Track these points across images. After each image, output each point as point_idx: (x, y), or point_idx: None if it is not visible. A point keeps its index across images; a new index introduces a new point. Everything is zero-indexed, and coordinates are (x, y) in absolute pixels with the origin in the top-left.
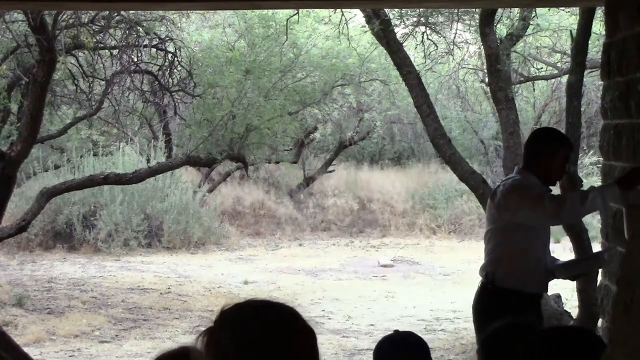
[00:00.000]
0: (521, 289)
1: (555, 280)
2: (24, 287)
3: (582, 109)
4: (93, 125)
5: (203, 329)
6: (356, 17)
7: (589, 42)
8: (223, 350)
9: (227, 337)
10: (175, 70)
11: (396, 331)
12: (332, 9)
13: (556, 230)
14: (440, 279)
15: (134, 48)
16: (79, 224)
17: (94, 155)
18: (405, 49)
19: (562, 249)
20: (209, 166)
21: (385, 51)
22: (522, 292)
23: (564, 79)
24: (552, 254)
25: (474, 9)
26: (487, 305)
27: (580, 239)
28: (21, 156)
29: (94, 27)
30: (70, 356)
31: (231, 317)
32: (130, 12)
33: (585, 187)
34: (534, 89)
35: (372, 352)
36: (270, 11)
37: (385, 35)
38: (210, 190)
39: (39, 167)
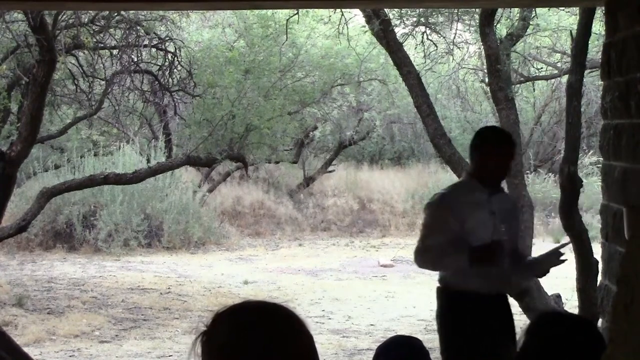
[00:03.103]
0: (473, 290)
1: (555, 280)
2: (24, 287)
3: (582, 109)
4: (93, 125)
5: (199, 331)
6: (356, 17)
7: (589, 42)
8: (218, 354)
9: (222, 340)
10: (175, 70)
11: (397, 335)
12: (332, 9)
13: (556, 230)
14: None
15: (134, 48)
16: (79, 224)
17: (94, 155)
18: (405, 49)
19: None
20: (209, 166)
21: (384, 51)
22: (474, 293)
23: (564, 79)
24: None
25: (474, 9)
26: (442, 308)
27: (580, 239)
28: (21, 156)
29: (94, 27)
30: (70, 356)
31: (225, 320)
32: (130, 12)
33: (584, 187)
34: (534, 89)
35: (372, 352)
36: (270, 11)
37: (385, 35)
38: (210, 190)
39: (39, 167)
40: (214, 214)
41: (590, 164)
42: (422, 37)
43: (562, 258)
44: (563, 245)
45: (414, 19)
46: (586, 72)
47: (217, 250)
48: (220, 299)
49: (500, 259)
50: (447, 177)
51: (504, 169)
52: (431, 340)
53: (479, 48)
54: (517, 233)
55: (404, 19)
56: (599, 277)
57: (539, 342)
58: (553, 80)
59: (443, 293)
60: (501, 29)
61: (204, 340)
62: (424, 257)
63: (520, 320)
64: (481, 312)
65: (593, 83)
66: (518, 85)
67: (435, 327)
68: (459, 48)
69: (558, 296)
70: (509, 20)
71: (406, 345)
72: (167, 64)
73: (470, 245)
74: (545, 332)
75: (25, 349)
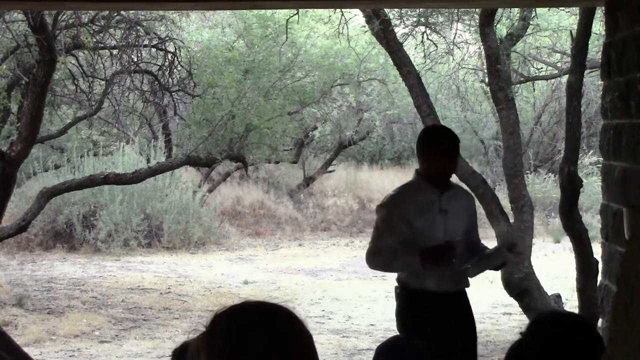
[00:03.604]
0: (425, 288)
1: (555, 280)
2: (24, 287)
3: (582, 109)
4: (93, 125)
5: (198, 332)
6: (356, 17)
7: (589, 42)
8: (218, 355)
9: (222, 341)
10: (175, 70)
11: (397, 335)
12: (332, 9)
13: (556, 230)
14: None
15: (134, 48)
16: (79, 224)
17: (94, 155)
18: (405, 49)
19: (562, 249)
20: (209, 166)
21: (384, 51)
22: (431, 292)
23: (564, 79)
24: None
25: (474, 9)
26: (401, 307)
27: (580, 239)
28: (21, 156)
29: (94, 27)
30: (70, 356)
31: (225, 321)
32: (130, 12)
33: (584, 187)
34: (534, 89)
35: (372, 352)
36: (269, 11)
37: (385, 35)
38: (210, 190)
39: (39, 167)
40: (214, 214)
41: (590, 164)
42: (422, 37)
43: (515, 250)
44: (513, 245)
45: (414, 19)
46: (586, 72)
47: (217, 250)
48: (220, 299)
49: (453, 259)
50: None
51: (450, 166)
52: None
53: (479, 48)
54: (475, 227)
55: (404, 19)
56: (599, 277)
57: (537, 341)
58: (553, 80)
59: (401, 292)
60: (501, 29)
61: (204, 341)
62: (375, 259)
63: (520, 320)
64: (439, 311)
65: (593, 83)
66: (518, 85)
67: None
68: (459, 48)
69: (558, 296)
70: (509, 20)
71: (407, 346)
72: (167, 64)
73: (420, 246)
74: (544, 332)
75: (25, 349)
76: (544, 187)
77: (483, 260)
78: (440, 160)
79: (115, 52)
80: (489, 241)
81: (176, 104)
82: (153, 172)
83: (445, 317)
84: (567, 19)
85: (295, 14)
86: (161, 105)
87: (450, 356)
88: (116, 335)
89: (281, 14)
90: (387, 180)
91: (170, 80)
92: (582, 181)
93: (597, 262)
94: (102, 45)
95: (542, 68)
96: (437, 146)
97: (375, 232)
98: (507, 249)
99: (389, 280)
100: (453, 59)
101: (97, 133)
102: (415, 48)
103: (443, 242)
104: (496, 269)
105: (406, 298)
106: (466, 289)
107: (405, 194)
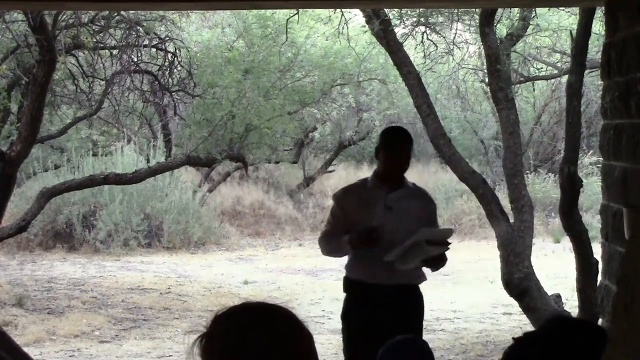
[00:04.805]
0: (362, 279)
1: (555, 280)
2: (24, 287)
3: (582, 109)
4: (93, 125)
5: (199, 333)
6: (356, 17)
7: (589, 42)
8: (219, 356)
9: (222, 342)
10: (175, 70)
11: (402, 335)
12: (332, 9)
13: (556, 230)
14: (440, 279)
15: (134, 48)
16: (78, 224)
17: (94, 155)
18: (405, 49)
19: (562, 249)
20: (209, 166)
21: (384, 51)
22: (365, 282)
23: (564, 79)
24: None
25: (474, 9)
26: (346, 295)
27: (580, 239)
28: (21, 156)
29: (94, 27)
30: (70, 356)
31: (225, 322)
32: (130, 12)
33: (584, 187)
34: (534, 89)
35: None
36: (269, 11)
37: (385, 36)
38: (210, 190)
39: (39, 167)
40: (214, 214)
41: (590, 164)
42: (422, 37)
43: (441, 248)
44: (446, 244)
45: (414, 19)
46: (586, 72)
47: (217, 250)
48: (220, 299)
49: (377, 243)
50: (447, 177)
51: (400, 167)
52: (431, 340)
53: (479, 48)
54: (428, 225)
55: (404, 19)
56: (599, 277)
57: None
58: (553, 80)
59: (344, 283)
60: (501, 29)
61: (204, 342)
62: (321, 245)
63: (520, 320)
64: (376, 302)
65: (593, 83)
66: (518, 85)
67: (435, 327)
68: (459, 48)
69: (558, 296)
70: (509, 20)
71: (411, 345)
72: (167, 64)
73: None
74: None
75: (25, 349)
76: (544, 187)
77: (408, 255)
78: (389, 160)
79: (115, 52)
80: (489, 241)
81: (176, 104)
82: (153, 172)
83: (383, 309)
84: (567, 19)
85: (295, 14)
86: (161, 105)
87: (378, 346)
88: (116, 335)
89: (281, 13)
90: None
91: (170, 80)
92: (582, 181)
93: (597, 262)
94: (102, 45)
95: (542, 68)
96: (387, 147)
97: (329, 218)
98: (427, 242)
99: None
100: (453, 59)
101: (97, 133)
102: (415, 48)
103: (369, 227)
104: (434, 266)
105: (348, 288)
106: (420, 285)
107: (352, 188)
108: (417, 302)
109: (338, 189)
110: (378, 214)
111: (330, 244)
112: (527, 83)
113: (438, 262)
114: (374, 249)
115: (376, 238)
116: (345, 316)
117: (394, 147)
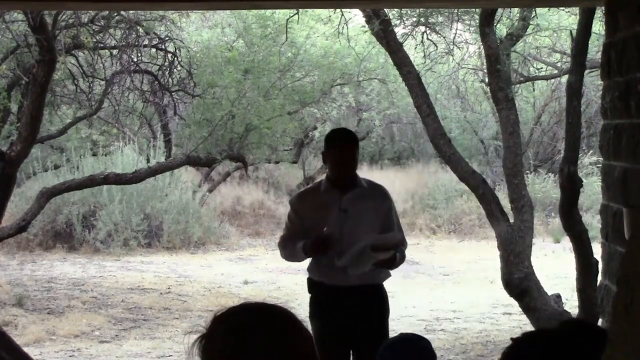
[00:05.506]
0: (322, 281)
1: (555, 280)
2: (24, 287)
3: (582, 109)
4: (93, 125)
5: (198, 333)
6: (356, 17)
7: (589, 42)
8: (218, 356)
9: (221, 343)
10: (175, 70)
11: (405, 333)
12: (332, 9)
13: (556, 230)
14: (440, 279)
15: (134, 48)
16: (78, 224)
17: (94, 155)
18: (405, 49)
19: (562, 249)
20: (209, 166)
21: (384, 51)
22: (324, 284)
23: (564, 79)
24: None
25: (474, 9)
26: (310, 296)
27: (580, 239)
28: (21, 156)
29: (94, 27)
30: (70, 356)
31: (224, 322)
32: (130, 12)
33: (584, 187)
34: (534, 89)
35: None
36: (269, 11)
37: (385, 35)
38: (210, 190)
39: (39, 167)
40: (214, 214)
41: (590, 164)
42: (422, 37)
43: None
44: (391, 249)
45: (414, 19)
46: (586, 72)
47: (217, 250)
48: (220, 299)
49: (327, 250)
50: (447, 177)
51: (348, 166)
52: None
53: (479, 48)
54: (390, 226)
55: (404, 19)
56: (599, 277)
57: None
58: (553, 80)
59: (308, 283)
60: (501, 29)
61: (203, 343)
62: (280, 250)
63: (520, 320)
64: (332, 302)
65: (593, 83)
66: (518, 85)
67: (435, 327)
68: (459, 48)
69: (558, 296)
70: (509, 20)
71: (410, 344)
72: (167, 64)
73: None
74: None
75: (25, 349)
76: (544, 187)
77: (358, 260)
78: (336, 163)
79: (115, 52)
80: (489, 241)
81: (176, 104)
82: (153, 172)
83: (344, 309)
84: (567, 19)
85: (295, 14)
86: (161, 105)
87: (345, 346)
88: (116, 335)
89: (281, 13)
90: (387, 180)
91: (170, 80)
92: (582, 181)
93: (597, 262)
94: (102, 45)
95: (542, 68)
96: (332, 150)
97: (286, 223)
98: (372, 249)
99: (388, 280)
100: (453, 59)
101: (97, 133)
102: (415, 48)
103: (322, 234)
104: (387, 268)
105: (311, 289)
106: (383, 284)
107: (307, 193)
108: (379, 301)
109: (293, 195)
110: (333, 217)
111: (286, 249)
112: (527, 83)
113: (389, 264)
114: (328, 252)
115: (329, 245)
116: (312, 317)
117: (340, 148)
